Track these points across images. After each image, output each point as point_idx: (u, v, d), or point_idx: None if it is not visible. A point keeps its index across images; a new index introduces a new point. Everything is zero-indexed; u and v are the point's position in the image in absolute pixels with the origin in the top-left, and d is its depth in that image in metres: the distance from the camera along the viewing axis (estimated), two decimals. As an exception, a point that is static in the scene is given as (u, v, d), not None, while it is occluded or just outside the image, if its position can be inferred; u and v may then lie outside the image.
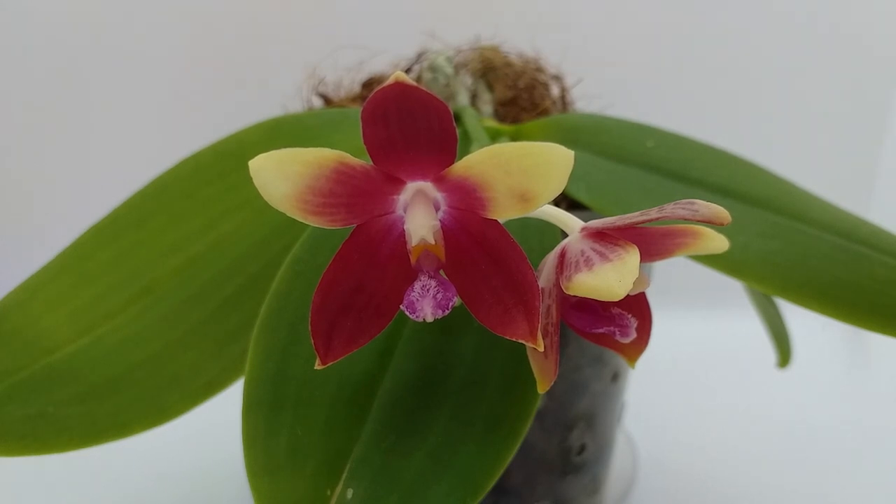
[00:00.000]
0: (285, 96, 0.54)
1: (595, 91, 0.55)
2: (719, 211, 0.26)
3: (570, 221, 0.29)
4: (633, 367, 0.32)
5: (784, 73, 0.95)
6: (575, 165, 0.24)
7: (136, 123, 0.90)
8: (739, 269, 0.37)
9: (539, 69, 0.55)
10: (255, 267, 0.40)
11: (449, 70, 0.52)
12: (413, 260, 0.26)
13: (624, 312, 0.28)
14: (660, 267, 0.49)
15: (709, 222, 0.26)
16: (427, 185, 0.26)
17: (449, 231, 0.26)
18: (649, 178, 0.43)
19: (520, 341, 0.26)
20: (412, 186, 0.26)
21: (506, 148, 0.24)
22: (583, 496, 0.53)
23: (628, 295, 0.25)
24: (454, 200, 0.26)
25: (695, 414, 0.73)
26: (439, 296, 0.25)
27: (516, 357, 0.32)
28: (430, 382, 0.32)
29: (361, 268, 0.27)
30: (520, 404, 0.31)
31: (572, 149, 0.24)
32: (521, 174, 0.24)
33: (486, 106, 0.53)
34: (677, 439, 0.68)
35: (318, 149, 0.24)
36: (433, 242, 0.25)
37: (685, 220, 0.26)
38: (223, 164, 0.42)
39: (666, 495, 0.61)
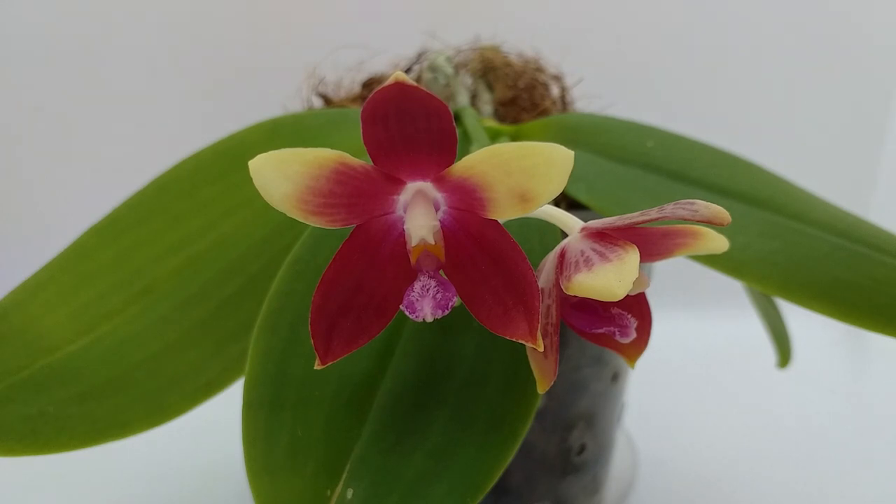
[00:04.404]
0: (285, 96, 0.54)
1: (595, 91, 0.55)
2: (719, 211, 0.26)
3: (569, 221, 0.29)
4: (632, 367, 0.32)
5: (784, 72, 0.95)
6: (575, 165, 0.24)
7: (136, 123, 0.90)
8: (739, 269, 0.37)
9: (539, 69, 0.55)
10: (255, 267, 0.40)
11: (449, 70, 0.52)
12: (413, 260, 0.26)
13: (624, 312, 0.28)
14: (660, 267, 0.49)
15: (709, 222, 0.26)
16: (427, 186, 0.26)
17: (449, 231, 0.26)
18: (649, 178, 0.43)
19: (520, 341, 0.26)
20: (412, 187, 0.26)
21: (506, 148, 0.24)
22: (583, 496, 0.53)
23: (628, 295, 0.25)
24: (454, 201, 0.26)
25: (695, 414, 0.73)
26: (439, 296, 0.25)
27: (516, 357, 0.32)
28: (430, 382, 0.32)
29: (361, 268, 0.27)
30: (520, 404, 0.31)
31: (572, 149, 0.24)
32: (522, 174, 0.24)
33: (486, 106, 0.53)
34: (677, 439, 0.68)
35: (318, 149, 0.24)
36: (433, 242, 0.25)
37: (685, 220, 0.26)
38: (223, 164, 0.42)
39: (666, 495, 0.61)
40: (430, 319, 0.25)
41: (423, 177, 0.26)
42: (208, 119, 0.62)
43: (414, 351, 0.33)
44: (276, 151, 0.24)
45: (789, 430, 0.72)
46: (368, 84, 0.54)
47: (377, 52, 0.54)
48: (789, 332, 0.58)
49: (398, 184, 0.26)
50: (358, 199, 0.25)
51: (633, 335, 0.28)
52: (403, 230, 0.26)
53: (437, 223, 0.26)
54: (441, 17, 0.63)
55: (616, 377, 0.51)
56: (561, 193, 0.29)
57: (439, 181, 0.26)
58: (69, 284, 0.39)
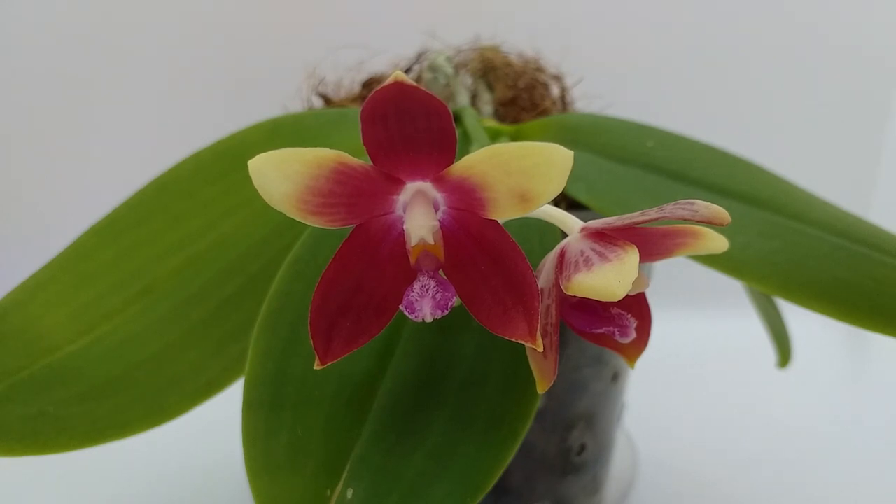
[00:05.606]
0: (285, 96, 0.54)
1: (595, 91, 0.55)
2: (719, 211, 0.26)
3: (569, 221, 0.29)
4: (632, 367, 0.32)
5: (784, 72, 0.95)
6: (575, 165, 0.24)
7: (136, 123, 0.90)
8: (739, 269, 0.37)
9: (539, 69, 0.55)
10: (255, 267, 0.40)
11: (449, 70, 0.52)
12: (412, 260, 0.26)
13: (624, 312, 0.28)
14: (660, 267, 0.49)
15: (709, 222, 0.26)
16: (427, 186, 0.26)
17: (448, 231, 0.26)
18: (649, 178, 0.43)
19: (519, 341, 0.26)
20: (412, 186, 0.26)
21: (506, 148, 0.24)
22: (583, 496, 0.53)
23: (628, 295, 0.25)
24: (454, 201, 0.26)
25: (695, 414, 0.73)
26: (438, 296, 0.25)
27: (516, 357, 0.32)
28: (430, 382, 0.32)
29: (361, 268, 0.27)
30: (520, 404, 0.31)
31: (572, 149, 0.24)
32: (521, 174, 0.24)
33: (486, 106, 0.53)
34: (677, 439, 0.68)
35: (318, 149, 0.24)
36: (432, 242, 0.25)
37: (685, 220, 0.26)
38: (223, 164, 0.42)
39: (666, 495, 0.61)
40: (429, 319, 0.25)
41: (423, 177, 0.26)
42: (208, 119, 0.62)
43: (414, 351, 0.33)
44: (275, 151, 0.24)
45: (789, 430, 0.71)
46: (368, 84, 0.54)
47: (377, 52, 0.54)
48: (789, 332, 0.58)
49: (398, 184, 0.26)
50: (357, 199, 0.25)
51: (633, 335, 0.28)
52: (403, 230, 0.26)
53: (437, 223, 0.26)
54: (441, 17, 0.63)
55: (616, 377, 0.51)
56: (561, 193, 0.29)
57: (439, 181, 0.26)
58: (69, 284, 0.39)
